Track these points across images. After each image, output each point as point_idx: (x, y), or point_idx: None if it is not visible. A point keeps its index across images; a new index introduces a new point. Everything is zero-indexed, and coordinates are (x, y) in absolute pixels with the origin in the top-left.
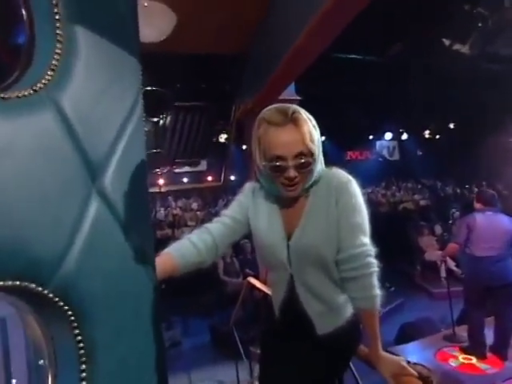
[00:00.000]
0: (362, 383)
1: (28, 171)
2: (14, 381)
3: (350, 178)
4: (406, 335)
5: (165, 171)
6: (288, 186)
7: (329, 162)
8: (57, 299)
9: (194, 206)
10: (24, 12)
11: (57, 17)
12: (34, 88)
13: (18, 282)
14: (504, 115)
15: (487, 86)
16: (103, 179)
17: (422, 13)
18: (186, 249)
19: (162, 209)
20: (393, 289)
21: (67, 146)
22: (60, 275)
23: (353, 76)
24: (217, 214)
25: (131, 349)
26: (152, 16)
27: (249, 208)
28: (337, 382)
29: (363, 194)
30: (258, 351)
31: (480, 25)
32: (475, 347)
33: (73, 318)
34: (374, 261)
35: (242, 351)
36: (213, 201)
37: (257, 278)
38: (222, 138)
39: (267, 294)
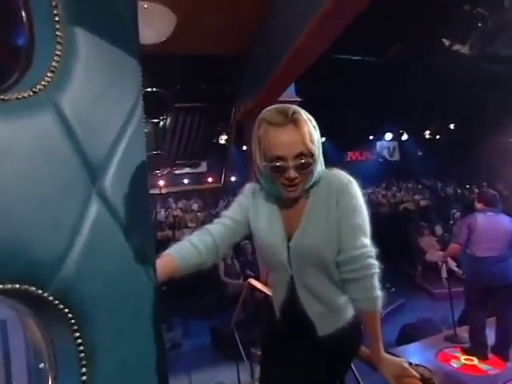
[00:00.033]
0: None
1: (27, 173)
2: None
3: (351, 178)
4: (407, 336)
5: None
6: (288, 187)
7: (329, 163)
8: (57, 302)
9: (195, 207)
10: (24, 14)
11: (56, 18)
12: (34, 90)
13: (17, 285)
14: (504, 115)
15: (487, 86)
16: (103, 181)
17: (422, 14)
18: (187, 250)
19: (163, 210)
20: (393, 289)
21: (67, 148)
22: (60, 277)
23: (353, 77)
24: (217, 215)
25: (131, 350)
26: (152, 18)
27: (249, 209)
28: None
29: (364, 195)
30: (259, 352)
31: (480, 25)
32: (477, 348)
33: (73, 320)
34: (374, 262)
35: (242, 352)
36: (213, 202)
37: (257, 279)
38: (222, 139)
39: (268, 296)
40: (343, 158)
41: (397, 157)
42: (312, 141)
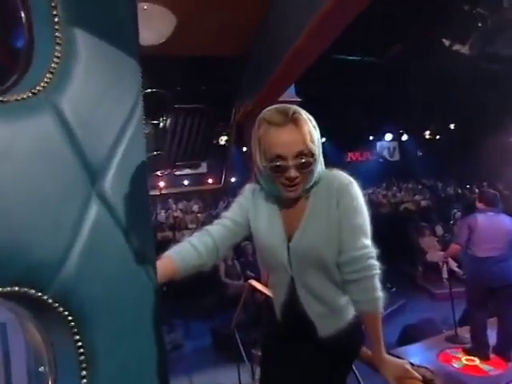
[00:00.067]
0: None
1: (27, 175)
2: None
3: (351, 179)
4: (408, 337)
5: (165, 174)
6: (288, 187)
7: (329, 164)
8: (56, 304)
9: (195, 208)
10: (23, 14)
11: (56, 19)
12: (33, 91)
13: (16, 288)
14: (504, 115)
15: (487, 86)
16: (103, 182)
17: (422, 14)
18: (187, 252)
19: (163, 211)
20: (394, 289)
21: (67, 149)
22: (60, 280)
23: (353, 77)
24: (217, 216)
25: (132, 353)
26: (151, 19)
27: (249, 210)
28: None
29: (364, 195)
30: (260, 353)
31: (479, 25)
32: (478, 348)
33: (73, 323)
34: (375, 263)
35: (243, 354)
36: (213, 203)
37: (258, 280)
38: (223, 140)
39: (269, 297)
40: (343, 158)
41: (397, 157)
42: (312, 140)
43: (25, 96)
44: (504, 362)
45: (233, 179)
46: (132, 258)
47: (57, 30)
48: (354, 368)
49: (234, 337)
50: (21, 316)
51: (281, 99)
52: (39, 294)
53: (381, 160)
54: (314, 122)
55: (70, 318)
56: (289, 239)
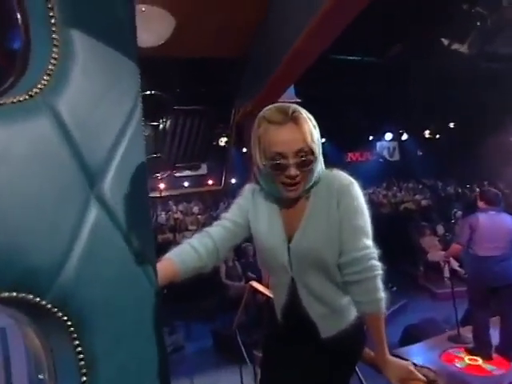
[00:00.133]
0: None
1: (24, 178)
2: None
3: (352, 180)
4: (410, 337)
5: (165, 175)
6: (289, 186)
7: (329, 164)
8: (55, 309)
9: (195, 209)
10: (19, 16)
11: (52, 20)
12: (30, 93)
13: (14, 294)
14: (504, 114)
15: (486, 85)
16: (102, 185)
17: (422, 14)
18: (187, 254)
19: (163, 213)
20: (394, 289)
21: (64, 152)
22: (58, 284)
23: (353, 77)
24: (218, 218)
25: (132, 356)
26: (150, 21)
27: (249, 210)
28: None
29: (364, 195)
30: (261, 355)
31: (479, 24)
32: (481, 348)
33: (72, 328)
34: (377, 263)
35: (245, 355)
36: (214, 204)
37: (259, 281)
38: (222, 141)
39: (270, 298)
40: (343, 158)
41: (397, 157)
42: (312, 139)
43: (21, 98)
44: (507, 362)
45: (233, 180)
46: (132, 261)
47: (54, 31)
48: (356, 369)
49: (235, 338)
50: (20, 321)
51: (280, 100)
52: (37, 299)
53: (381, 160)
54: (314, 122)
55: (69, 322)
56: (289, 240)
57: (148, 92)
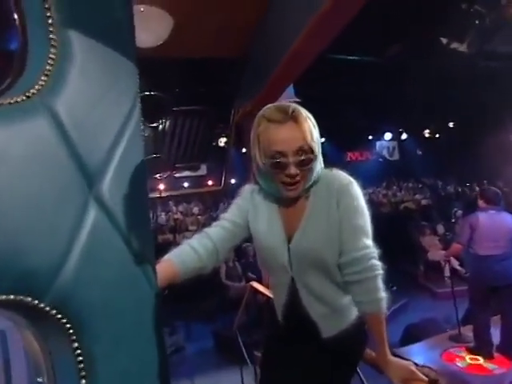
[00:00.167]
0: None
1: (22, 178)
2: None
3: (351, 179)
4: (410, 336)
5: (165, 176)
6: (289, 185)
7: (329, 163)
8: (54, 312)
9: (195, 210)
10: (16, 16)
11: (50, 21)
12: (27, 94)
13: (12, 296)
14: (503, 112)
15: (486, 84)
16: (101, 186)
17: (420, 13)
18: (187, 255)
19: (163, 213)
20: (395, 288)
21: (62, 153)
22: (57, 286)
23: (352, 77)
24: (218, 218)
25: (132, 358)
26: (149, 21)
27: (248, 211)
28: None
29: (364, 195)
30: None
31: (477, 23)
32: (482, 347)
33: (71, 330)
34: (377, 263)
35: (246, 356)
36: (214, 205)
37: (259, 281)
38: (222, 141)
39: (270, 298)
40: (343, 158)
41: (396, 156)
42: (312, 138)
43: (19, 99)
44: (508, 361)
45: (233, 181)
46: (131, 262)
47: (51, 32)
48: (358, 370)
49: (236, 339)
50: (18, 324)
51: (280, 100)
52: (36, 301)
53: (380, 159)
54: (314, 121)
55: (67, 325)
56: (289, 240)
57: (147, 92)
